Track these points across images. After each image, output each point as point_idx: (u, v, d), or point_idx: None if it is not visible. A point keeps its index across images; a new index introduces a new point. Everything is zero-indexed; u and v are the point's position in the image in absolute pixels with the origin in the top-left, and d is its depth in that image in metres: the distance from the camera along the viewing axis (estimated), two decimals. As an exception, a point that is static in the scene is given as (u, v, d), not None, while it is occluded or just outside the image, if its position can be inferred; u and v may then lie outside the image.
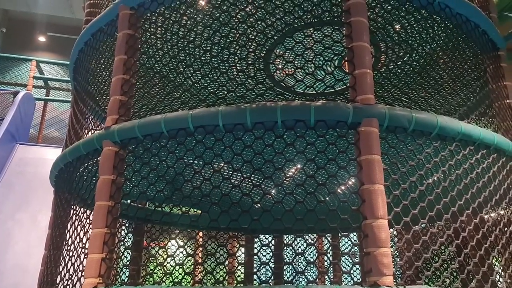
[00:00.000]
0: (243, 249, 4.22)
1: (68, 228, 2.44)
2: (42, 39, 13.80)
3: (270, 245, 3.39)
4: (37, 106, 11.03)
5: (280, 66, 2.55)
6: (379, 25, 2.42)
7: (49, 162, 2.78)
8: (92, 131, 2.58)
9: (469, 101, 2.77)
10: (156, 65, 2.45)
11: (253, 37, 2.29)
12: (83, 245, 2.13)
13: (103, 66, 2.65)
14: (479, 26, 2.52)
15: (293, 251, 2.12)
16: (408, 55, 2.55)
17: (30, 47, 13.59)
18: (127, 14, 2.38)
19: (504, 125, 2.49)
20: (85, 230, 2.20)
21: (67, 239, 2.40)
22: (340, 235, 3.69)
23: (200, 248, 3.88)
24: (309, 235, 3.53)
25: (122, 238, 2.27)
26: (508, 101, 2.60)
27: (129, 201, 2.97)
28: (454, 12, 2.38)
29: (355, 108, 1.89)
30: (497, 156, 2.22)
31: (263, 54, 2.41)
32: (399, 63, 2.64)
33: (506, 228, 2.20)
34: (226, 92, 2.35)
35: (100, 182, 2.01)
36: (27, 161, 8.38)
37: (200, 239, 4.45)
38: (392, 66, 2.67)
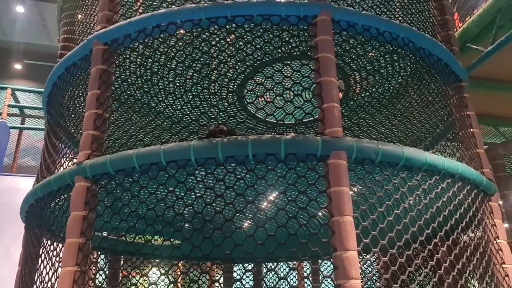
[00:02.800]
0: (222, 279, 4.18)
1: (39, 266, 2.39)
2: (18, 66, 13.66)
3: (245, 276, 3.37)
4: (12, 134, 10.86)
5: (252, 100, 2.61)
6: (347, 59, 2.51)
7: (23, 192, 2.74)
8: (65, 165, 2.56)
9: (435, 131, 2.86)
10: (130, 99, 2.48)
11: (225, 71, 2.35)
12: (53, 284, 2.09)
13: (76, 100, 2.66)
14: (442, 59, 2.64)
15: (266, 283, 2.13)
16: (376, 88, 2.65)
17: (6, 75, 13.41)
18: (100, 49, 2.41)
19: (468, 154, 2.59)
20: (55, 268, 2.16)
21: (37, 277, 2.35)
22: (311, 265, 3.70)
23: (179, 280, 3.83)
24: (284, 263, 3.53)
25: (94, 274, 2.23)
26: (471, 130, 2.70)
27: (104, 233, 2.94)
28: (417, 46, 2.50)
29: (324, 141, 1.95)
30: (462, 184, 2.29)
31: (235, 88, 2.47)
32: (368, 95, 2.73)
33: (473, 254, 2.25)
34: (198, 127, 2.39)
35: (71, 219, 2.00)
36: (0, 192, 8.19)
37: (178, 271, 4.39)
38: (361, 99, 2.76)
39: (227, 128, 2.61)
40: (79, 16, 2.92)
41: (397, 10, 2.84)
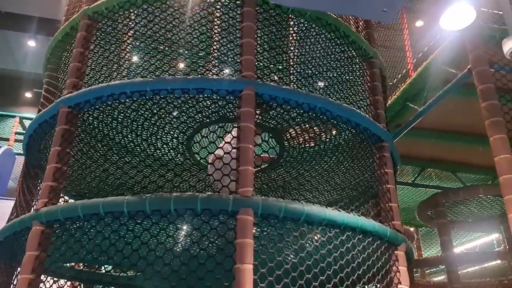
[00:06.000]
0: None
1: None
2: (28, 95, 14.42)
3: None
4: (18, 159, 11.41)
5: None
6: (272, 125, 2.94)
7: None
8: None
9: (356, 188, 3.24)
10: (84, 157, 2.94)
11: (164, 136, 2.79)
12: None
13: (44, 151, 3.11)
14: (360, 124, 3.03)
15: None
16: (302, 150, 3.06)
17: (17, 103, 14.18)
18: (65, 111, 2.87)
19: (378, 208, 2.95)
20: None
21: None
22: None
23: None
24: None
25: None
26: (388, 185, 3.07)
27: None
28: (334, 114, 2.90)
29: (235, 199, 2.34)
30: (363, 236, 2.66)
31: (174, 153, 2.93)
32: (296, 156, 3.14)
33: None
34: (147, 183, 2.82)
35: (26, 258, 2.41)
36: (3, 215, 8.61)
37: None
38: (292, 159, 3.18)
39: None
40: (56, 78, 3.41)
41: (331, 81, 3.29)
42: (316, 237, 2.61)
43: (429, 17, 5.02)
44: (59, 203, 2.63)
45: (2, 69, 14.02)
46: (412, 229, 8.71)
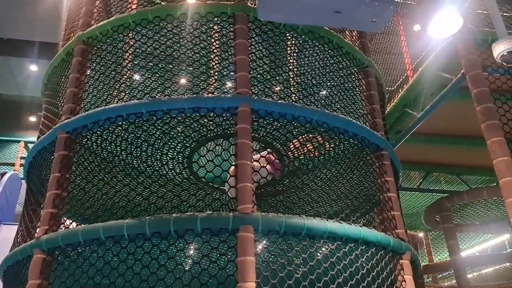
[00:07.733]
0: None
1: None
2: (32, 119, 14.54)
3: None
4: (24, 184, 11.47)
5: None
6: (270, 139, 2.94)
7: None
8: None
9: (357, 198, 3.23)
10: (84, 182, 2.95)
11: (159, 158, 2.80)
12: None
13: (44, 178, 3.13)
14: (357, 134, 3.03)
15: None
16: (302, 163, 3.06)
17: (22, 127, 14.30)
18: (63, 137, 2.89)
19: (381, 216, 2.93)
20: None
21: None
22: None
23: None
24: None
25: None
26: (389, 194, 3.05)
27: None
28: (331, 125, 2.90)
29: (234, 217, 2.34)
30: (365, 247, 2.63)
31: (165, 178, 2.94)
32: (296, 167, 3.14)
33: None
34: (133, 206, 2.84)
35: (28, 287, 2.41)
36: (11, 241, 8.63)
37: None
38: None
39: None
40: (54, 104, 3.44)
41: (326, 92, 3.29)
42: (319, 251, 2.59)
43: (424, 22, 5.03)
44: (60, 229, 2.64)
45: (6, 94, 14.21)
46: (421, 234, 8.64)
